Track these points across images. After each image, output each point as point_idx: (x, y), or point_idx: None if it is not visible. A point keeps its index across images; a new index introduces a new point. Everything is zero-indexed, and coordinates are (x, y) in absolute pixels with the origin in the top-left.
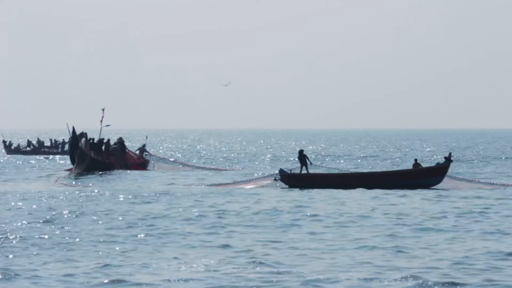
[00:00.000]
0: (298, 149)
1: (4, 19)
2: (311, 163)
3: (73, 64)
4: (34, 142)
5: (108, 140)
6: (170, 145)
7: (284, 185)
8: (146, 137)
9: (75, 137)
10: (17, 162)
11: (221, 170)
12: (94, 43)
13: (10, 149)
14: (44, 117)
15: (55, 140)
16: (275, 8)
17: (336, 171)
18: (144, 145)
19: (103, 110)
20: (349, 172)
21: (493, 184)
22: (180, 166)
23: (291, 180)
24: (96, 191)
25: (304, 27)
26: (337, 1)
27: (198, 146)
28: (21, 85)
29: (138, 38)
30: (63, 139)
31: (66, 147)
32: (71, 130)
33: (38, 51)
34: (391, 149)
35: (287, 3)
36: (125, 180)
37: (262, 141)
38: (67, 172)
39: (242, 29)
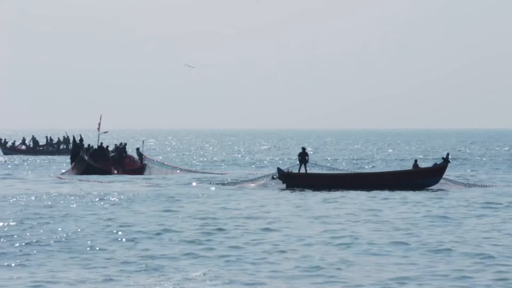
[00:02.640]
0: (301, 147)
1: (4, 19)
2: (307, 161)
3: (73, 64)
4: (29, 140)
5: (107, 146)
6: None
7: (281, 184)
8: (143, 141)
9: (76, 146)
10: (12, 161)
11: (217, 174)
12: (94, 43)
13: (5, 147)
14: (44, 117)
15: (50, 138)
16: (275, 8)
17: (335, 171)
18: (138, 148)
19: (100, 117)
20: (347, 172)
21: (487, 186)
22: (177, 170)
23: (288, 179)
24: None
25: (304, 27)
26: (337, 1)
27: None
28: (21, 85)
29: (138, 38)
30: (58, 138)
31: (62, 146)
32: (71, 139)
33: (38, 51)
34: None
35: (287, 3)
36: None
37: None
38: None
39: (242, 29)
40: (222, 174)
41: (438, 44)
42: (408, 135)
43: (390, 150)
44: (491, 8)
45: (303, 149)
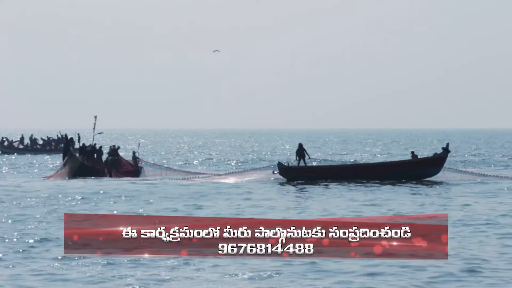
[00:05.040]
0: (298, 143)
1: (4, 19)
2: (309, 157)
3: (72, 64)
4: (27, 139)
5: (100, 147)
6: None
7: (282, 178)
8: (139, 144)
9: (68, 144)
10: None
11: (211, 174)
12: (94, 43)
13: (3, 146)
14: (44, 117)
15: (47, 137)
16: (275, 8)
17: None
18: (134, 152)
19: (95, 117)
20: (346, 163)
21: (487, 176)
22: (172, 171)
23: (289, 172)
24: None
25: (304, 27)
26: (337, 1)
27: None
28: (21, 85)
29: (138, 38)
30: (57, 135)
31: (60, 145)
32: (64, 136)
33: (38, 51)
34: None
35: (287, 3)
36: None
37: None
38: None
39: (242, 29)
40: (216, 174)
41: (438, 44)
42: (408, 135)
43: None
44: (491, 8)
45: (300, 145)
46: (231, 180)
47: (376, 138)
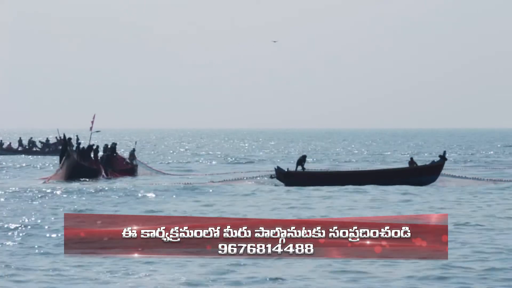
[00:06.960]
0: (303, 154)
1: (4, 19)
2: (304, 169)
3: (72, 64)
4: (26, 141)
5: (97, 146)
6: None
7: (279, 183)
8: (136, 142)
9: (65, 144)
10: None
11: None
12: (94, 43)
13: (1, 148)
14: (44, 117)
15: (47, 139)
16: (275, 8)
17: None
18: (134, 149)
19: (93, 116)
20: (344, 170)
21: (482, 180)
22: (161, 174)
23: (286, 177)
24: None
25: (304, 27)
26: (337, 1)
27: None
28: (21, 85)
29: (137, 38)
30: (56, 137)
31: (58, 147)
32: (62, 136)
33: (38, 51)
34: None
35: (287, 3)
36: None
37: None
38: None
39: (242, 29)
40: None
41: (438, 44)
42: (407, 135)
43: (389, 153)
44: (491, 8)
45: (304, 156)
46: (229, 184)
47: (375, 138)
